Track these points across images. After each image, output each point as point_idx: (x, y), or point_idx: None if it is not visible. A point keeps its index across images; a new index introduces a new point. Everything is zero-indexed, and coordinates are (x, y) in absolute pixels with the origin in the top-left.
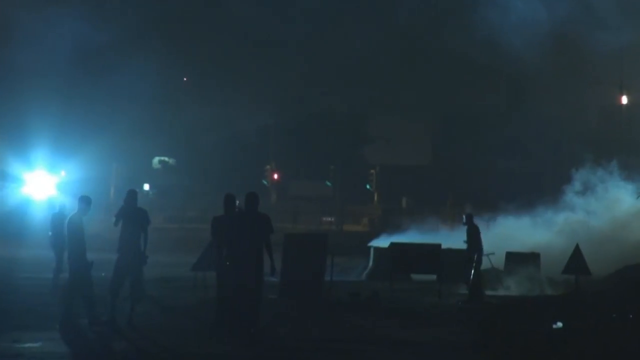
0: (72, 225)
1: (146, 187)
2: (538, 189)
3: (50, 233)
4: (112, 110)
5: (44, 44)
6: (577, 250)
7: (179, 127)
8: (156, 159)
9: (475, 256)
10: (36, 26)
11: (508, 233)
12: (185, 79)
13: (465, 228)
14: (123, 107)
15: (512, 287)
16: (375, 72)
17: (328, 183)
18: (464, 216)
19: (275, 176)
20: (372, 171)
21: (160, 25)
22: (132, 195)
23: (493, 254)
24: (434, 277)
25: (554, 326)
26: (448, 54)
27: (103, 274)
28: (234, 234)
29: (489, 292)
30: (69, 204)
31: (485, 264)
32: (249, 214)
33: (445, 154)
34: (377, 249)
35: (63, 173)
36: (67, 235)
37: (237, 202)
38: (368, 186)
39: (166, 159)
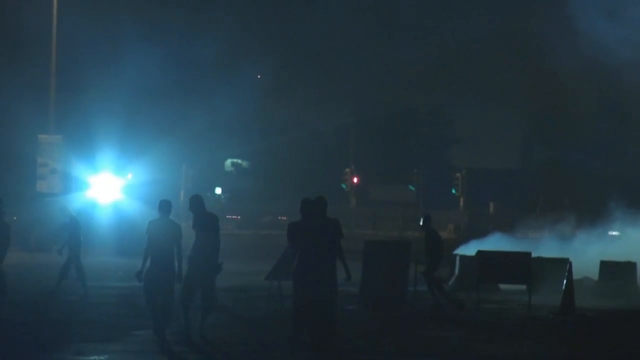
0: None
1: (218, 190)
2: (634, 194)
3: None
4: (182, 109)
5: (110, 43)
6: None
7: (252, 128)
8: (229, 161)
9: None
10: (101, 26)
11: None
12: (259, 76)
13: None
14: (194, 107)
15: (606, 299)
16: (462, 71)
17: (411, 187)
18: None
19: (355, 180)
20: (458, 175)
21: (233, 21)
22: (198, 200)
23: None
24: (523, 287)
25: None
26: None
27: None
28: (303, 241)
29: (581, 304)
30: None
31: (579, 273)
32: (318, 219)
33: (536, 157)
34: (462, 257)
35: (130, 176)
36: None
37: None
38: (454, 190)
39: (239, 161)
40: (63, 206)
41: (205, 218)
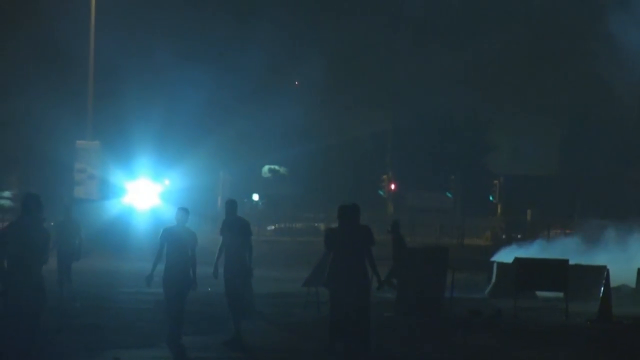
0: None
1: (255, 197)
2: None
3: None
4: (219, 115)
5: (148, 50)
6: None
7: (290, 134)
8: (266, 168)
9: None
10: (139, 33)
11: None
12: (297, 82)
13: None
14: (231, 113)
15: None
16: (499, 77)
17: (448, 194)
18: (391, 224)
19: (393, 186)
20: (496, 182)
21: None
22: (232, 205)
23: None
24: (560, 294)
25: None
26: (579, 57)
27: (209, 289)
28: (337, 247)
29: (618, 311)
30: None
31: (617, 281)
32: (350, 226)
33: (574, 163)
34: (500, 264)
35: (167, 182)
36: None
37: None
38: (491, 197)
39: (277, 167)
40: (66, 206)
41: (236, 223)
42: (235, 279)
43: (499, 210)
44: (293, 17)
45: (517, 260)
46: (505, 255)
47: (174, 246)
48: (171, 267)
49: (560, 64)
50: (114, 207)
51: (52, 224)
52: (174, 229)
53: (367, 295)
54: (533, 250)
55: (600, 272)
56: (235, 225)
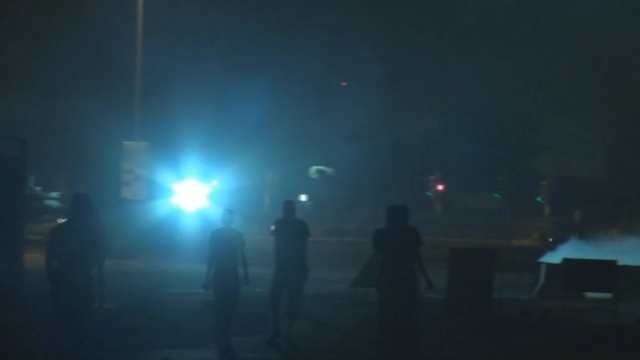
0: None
1: (303, 197)
2: None
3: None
4: (267, 116)
5: (196, 49)
6: None
7: (337, 135)
8: (313, 168)
9: None
10: (187, 31)
11: None
12: (344, 83)
13: None
14: (278, 113)
15: None
16: (548, 78)
17: (496, 195)
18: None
19: (440, 187)
20: (543, 182)
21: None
22: (290, 206)
23: None
24: (609, 295)
25: None
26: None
27: (257, 290)
28: (386, 248)
29: None
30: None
31: None
32: (398, 227)
33: (622, 164)
34: (548, 264)
35: (214, 183)
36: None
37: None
38: (539, 198)
39: (324, 168)
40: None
41: (292, 224)
42: (288, 280)
43: (546, 211)
44: (341, 18)
45: (565, 261)
46: (554, 256)
47: (222, 248)
48: (220, 268)
49: (611, 66)
50: (161, 208)
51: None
52: (221, 231)
53: (415, 296)
54: (582, 251)
55: None
56: (293, 226)
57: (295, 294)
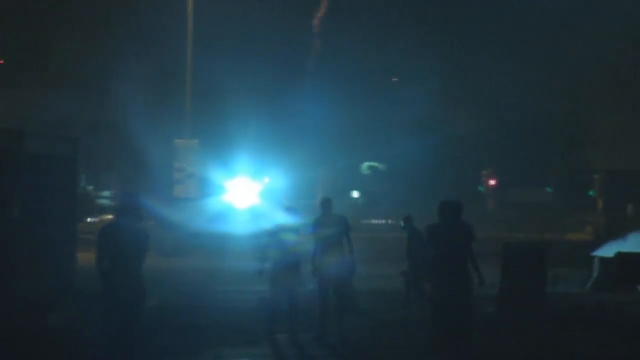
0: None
1: (355, 194)
2: None
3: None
4: (318, 113)
5: (247, 45)
6: None
7: (389, 131)
8: (365, 165)
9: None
10: (238, 26)
11: None
12: (394, 79)
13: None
14: (329, 110)
15: None
16: (600, 70)
17: (548, 189)
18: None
19: (492, 182)
20: (595, 176)
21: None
22: (327, 203)
23: None
24: None
25: None
26: None
27: (311, 287)
28: (439, 244)
29: None
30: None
31: None
32: (451, 223)
33: None
34: (601, 258)
35: (266, 180)
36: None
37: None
38: (591, 192)
39: (376, 164)
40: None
41: (332, 218)
42: (332, 275)
43: (599, 205)
44: (392, 14)
45: (619, 254)
46: (607, 250)
47: (284, 242)
48: (279, 264)
49: None
50: (213, 205)
51: (152, 222)
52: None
53: (469, 291)
54: (636, 245)
55: None
56: (332, 221)
57: (342, 289)
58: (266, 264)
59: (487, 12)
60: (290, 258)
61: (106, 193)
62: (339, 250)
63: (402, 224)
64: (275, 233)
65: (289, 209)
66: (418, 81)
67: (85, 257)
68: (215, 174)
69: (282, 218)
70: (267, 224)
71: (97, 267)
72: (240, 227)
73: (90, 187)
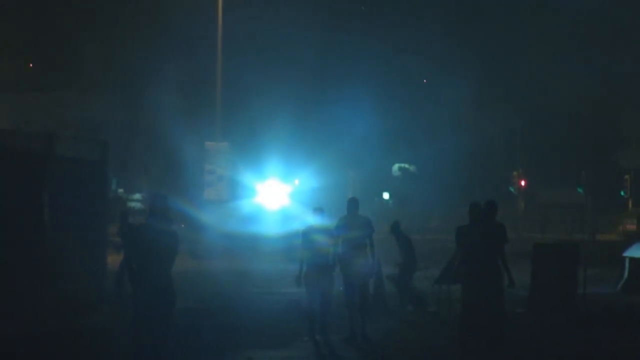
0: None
1: (385, 195)
2: None
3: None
4: (348, 114)
5: (278, 49)
6: None
7: (420, 132)
8: (396, 166)
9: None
10: (269, 30)
11: None
12: (425, 80)
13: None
14: (360, 112)
15: None
16: (630, 69)
17: (579, 190)
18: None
19: (523, 183)
20: (627, 177)
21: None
22: (353, 203)
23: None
24: None
25: None
26: None
27: (340, 288)
28: (470, 245)
29: None
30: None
31: None
32: (484, 224)
33: None
34: (632, 259)
35: (297, 182)
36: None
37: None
38: (622, 192)
39: (406, 165)
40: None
41: (357, 220)
42: (355, 275)
43: (630, 205)
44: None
45: None
46: (638, 251)
47: (315, 243)
48: (312, 265)
49: None
50: (244, 208)
51: (183, 225)
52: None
53: (500, 292)
54: None
55: None
56: (357, 222)
57: (365, 290)
58: (303, 267)
59: (517, 14)
60: (321, 259)
61: (137, 196)
62: (363, 251)
63: (390, 229)
64: (306, 234)
65: (318, 210)
66: (449, 83)
67: (117, 260)
68: (246, 176)
69: (312, 219)
70: (297, 226)
71: (126, 267)
72: (271, 228)
73: (121, 190)
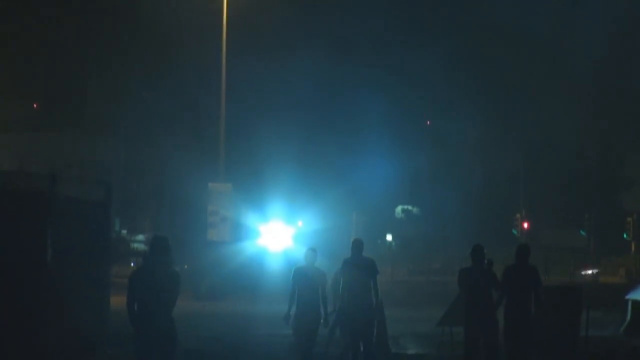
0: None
1: (389, 237)
2: None
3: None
4: (352, 157)
5: (279, 91)
6: None
7: (422, 174)
8: (399, 208)
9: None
10: (271, 71)
11: None
12: (428, 122)
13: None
14: (363, 154)
15: None
16: (632, 112)
17: (582, 232)
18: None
19: (526, 225)
20: (629, 219)
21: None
22: (358, 245)
23: None
24: None
25: None
26: None
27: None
28: (470, 287)
29: None
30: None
31: None
32: (482, 266)
33: None
34: (635, 301)
35: (300, 223)
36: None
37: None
38: (625, 235)
39: (410, 207)
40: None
41: (361, 262)
42: (357, 318)
43: (633, 248)
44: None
45: None
46: None
47: (305, 286)
48: (302, 306)
49: None
50: (247, 249)
51: (186, 266)
52: (304, 269)
53: (497, 331)
54: None
55: None
56: (360, 264)
57: (367, 332)
58: (293, 308)
59: (521, 56)
60: (310, 300)
61: (140, 237)
62: (366, 293)
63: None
64: (297, 275)
65: (310, 251)
66: (453, 124)
67: (120, 301)
68: (249, 218)
69: (305, 260)
70: (292, 267)
71: (127, 311)
72: (274, 270)
73: (124, 231)
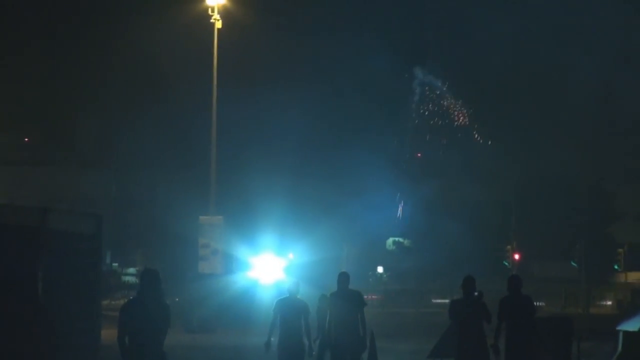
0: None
1: (379, 269)
2: None
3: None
4: (343, 189)
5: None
6: None
7: (412, 206)
8: (390, 240)
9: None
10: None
11: None
12: (419, 154)
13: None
14: (353, 186)
15: None
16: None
17: (573, 263)
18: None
19: (517, 257)
20: (620, 250)
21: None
22: (344, 278)
23: None
24: None
25: None
26: None
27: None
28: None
29: None
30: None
31: None
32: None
33: None
34: (626, 332)
35: (291, 256)
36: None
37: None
38: (616, 266)
39: (401, 239)
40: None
41: (348, 294)
42: (345, 351)
43: (624, 279)
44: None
45: None
46: (632, 324)
47: (288, 317)
48: (285, 336)
49: None
50: (238, 281)
51: (177, 299)
52: (287, 300)
53: None
54: None
55: None
56: (347, 296)
57: None
58: (272, 338)
59: (511, 87)
60: (291, 332)
61: (132, 270)
62: (352, 325)
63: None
64: (278, 306)
65: (294, 284)
66: (442, 155)
67: (111, 334)
68: (240, 250)
69: (289, 292)
70: (276, 299)
71: (118, 344)
72: (265, 302)
73: (116, 264)
